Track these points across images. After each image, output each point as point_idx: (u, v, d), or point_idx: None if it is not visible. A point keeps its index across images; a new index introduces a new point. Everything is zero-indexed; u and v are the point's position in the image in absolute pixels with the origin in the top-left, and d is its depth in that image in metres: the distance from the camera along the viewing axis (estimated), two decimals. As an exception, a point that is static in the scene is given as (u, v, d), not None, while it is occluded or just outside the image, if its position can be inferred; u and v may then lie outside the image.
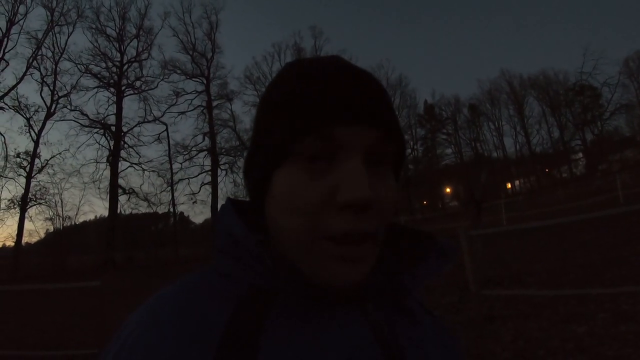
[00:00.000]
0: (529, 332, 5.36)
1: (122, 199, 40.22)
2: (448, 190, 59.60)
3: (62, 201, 42.91)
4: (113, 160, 39.48)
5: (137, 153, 41.78)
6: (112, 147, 40.06)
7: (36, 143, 37.85)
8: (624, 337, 4.62)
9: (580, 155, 55.82)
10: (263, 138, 0.58)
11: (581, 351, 4.46)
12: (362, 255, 0.54)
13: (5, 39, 37.81)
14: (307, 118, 0.53)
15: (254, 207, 0.65)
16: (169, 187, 42.86)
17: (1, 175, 36.46)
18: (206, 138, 45.19)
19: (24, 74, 38.36)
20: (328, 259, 0.53)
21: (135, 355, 0.48)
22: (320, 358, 0.52)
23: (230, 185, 51.99)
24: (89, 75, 40.93)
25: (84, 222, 50.16)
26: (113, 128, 40.48)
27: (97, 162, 40.22)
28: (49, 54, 39.94)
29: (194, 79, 46.05)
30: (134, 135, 42.05)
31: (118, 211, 39.63)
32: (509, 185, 60.50)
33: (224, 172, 45.69)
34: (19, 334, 9.22)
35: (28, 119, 38.06)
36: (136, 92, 43.10)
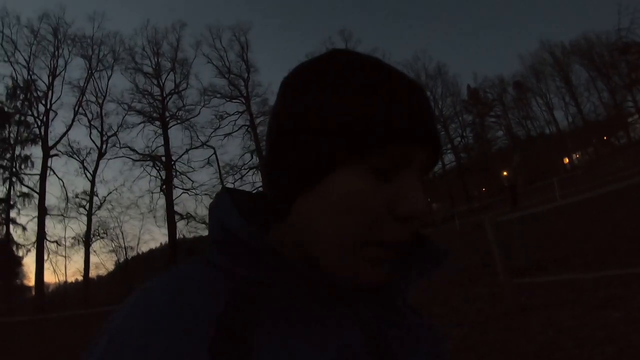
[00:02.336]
0: (562, 321, 5.20)
1: (180, 224, 41.32)
2: (505, 174, 58.22)
3: (122, 233, 44.33)
4: (167, 189, 40.69)
5: (189, 179, 42.99)
6: (164, 177, 41.32)
7: (92, 182, 39.65)
8: None
9: (636, 117, 53.27)
10: (324, 139, 0.54)
11: (611, 341, 4.28)
12: (395, 260, 0.58)
13: (50, 91, 39.83)
14: (386, 134, 0.53)
15: (252, 197, 0.66)
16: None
17: (64, 216, 38.16)
18: (254, 156, 45.77)
19: (72, 121, 40.34)
20: (367, 262, 0.55)
21: (127, 350, 0.46)
22: (311, 355, 0.52)
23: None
24: (133, 112, 42.43)
25: (150, 251, 51.72)
26: (163, 158, 41.80)
27: (152, 193, 41.62)
28: (93, 99, 41.88)
29: (233, 101, 46.86)
30: (183, 163, 43.25)
31: (177, 236, 40.65)
32: (567, 160, 58.55)
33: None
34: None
35: (82, 162, 39.98)
36: (180, 121, 44.33)
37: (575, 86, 56.93)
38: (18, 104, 39.09)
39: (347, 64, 0.58)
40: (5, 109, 38.48)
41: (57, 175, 39.15)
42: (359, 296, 0.61)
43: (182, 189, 42.13)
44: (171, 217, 39.94)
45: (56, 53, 40.34)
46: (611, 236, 9.50)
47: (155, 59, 44.86)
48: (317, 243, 0.56)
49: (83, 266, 38.21)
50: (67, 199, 38.80)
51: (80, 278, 39.91)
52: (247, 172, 45.50)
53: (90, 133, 41.09)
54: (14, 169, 37.89)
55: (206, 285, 0.54)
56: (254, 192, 0.69)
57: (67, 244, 38.60)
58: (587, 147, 57.26)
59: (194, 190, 42.30)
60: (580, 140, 55.89)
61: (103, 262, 49.33)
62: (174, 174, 41.80)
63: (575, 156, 58.96)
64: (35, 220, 36.71)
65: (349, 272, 0.55)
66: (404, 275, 0.65)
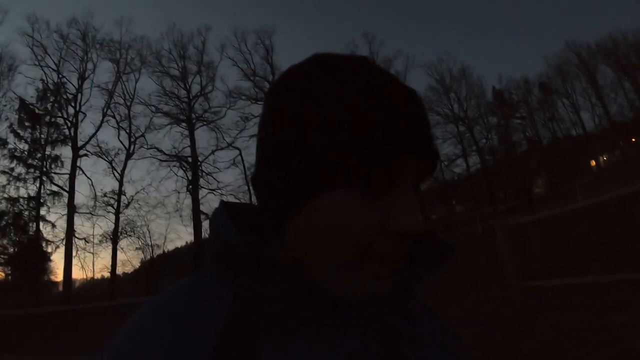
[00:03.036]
0: (568, 323, 5.39)
1: (206, 224, 41.38)
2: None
3: (149, 232, 45.02)
4: (193, 189, 41.17)
5: (215, 179, 43.23)
6: (190, 177, 41.76)
7: (120, 182, 40.35)
8: None
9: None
10: (313, 156, 0.53)
11: (612, 343, 4.46)
12: (393, 272, 0.56)
13: (79, 94, 40.86)
14: (377, 150, 0.51)
15: (250, 210, 0.67)
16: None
17: (92, 214, 39.08)
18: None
19: (101, 123, 41.07)
20: (365, 276, 0.53)
21: (133, 355, 0.47)
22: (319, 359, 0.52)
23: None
24: (160, 114, 42.98)
25: (176, 249, 52.49)
26: (189, 159, 42.24)
27: (178, 192, 42.04)
28: (121, 101, 42.58)
29: (258, 103, 46.48)
30: (209, 163, 43.64)
31: (203, 236, 41.20)
32: (594, 162, 57.71)
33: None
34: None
35: (110, 162, 40.72)
36: (206, 123, 44.75)
37: (601, 87, 56.09)
38: (48, 106, 40.00)
39: (328, 77, 0.56)
40: (36, 110, 39.39)
41: (85, 175, 39.93)
42: (369, 300, 0.58)
43: (208, 189, 42.54)
44: (197, 217, 40.37)
45: (85, 57, 41.22)
46: (628, 240, 9.57)
47: (182, 62, 45.40)
48: (311, 260, 0.55)
49: (110, 263, 38.97)
50: (95, 197, 39.50)
51: (106, 275, 40.66)
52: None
53: (119, 134, 41.85)
54: (44, 169, 38.68)
55: (209, 298, 0.54)
56: (255, 204, 0.69)
57: (95, 241, 39.39)
58: (614, 149, 56.38)
59: (219, 191, 42.58)
60: (607, 142, 55.04)
61: (130, 259, 50.18)
62: (200, 174, 42.26)
63: (603, 158, 58.06)
64: (65, 217, 37.54)
65: (346, 289, 0.54)
66: (411, 275, 0.63)
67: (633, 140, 54.09)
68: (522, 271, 7.01)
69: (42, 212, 38.51)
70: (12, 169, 37.53)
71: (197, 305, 0.53)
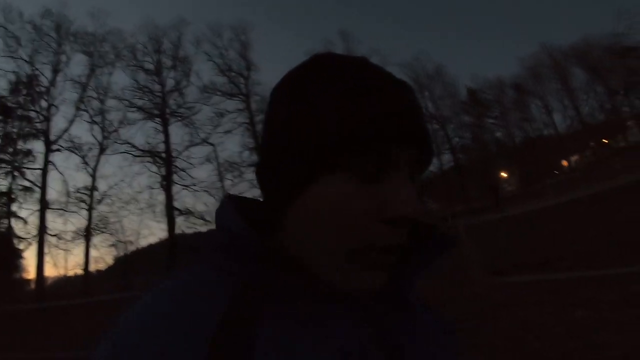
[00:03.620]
0: (530, 318, 5.57)
1: (179, 220, 41.32)
2: (504, 175, 58.43)
3: (122, 228, 44.82)
4: (166, 185, 40.70)
5: (189, 175, 42.75)
6: (164, 173, 41.28)
7: (93, 177, 39.70)
8: (625, 321, 4.75)
9: (637, 120, 53.40)
10: (306, 145, 0.55)
11: (571, 337, 4.65)
12: (391, 263, 0.56)
13: (52, 87, 40.01)
14: (367, 136, 0.52)
15: (255, 203, 0.68)
16: (222, 204, 43.73)
17: (64, 210, 38.46)
18: (253, 153, 45.34)
19: (74, 117, 40.29)
20: (362, 267, 0.54)
21: (128, 350, 0.48)
22: (317, 354, 0.52)
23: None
24: (134, 109, 42.32)
25: (149, 245, 52.08)
26: (163, 155, 41.78)
27: (151, 188, 41.61)
28: (95, 95, 41.80)
29: (233, 98, 46.61)
30: (183, 159, 43.17)
31: (176, 232, 40.99)
32: (565, 162, 58.77)
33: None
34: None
35: (83, 157, 39.98)
36: (180, 118, 44.15)
37: (573, 89, 57.08)
38: (21, 99, 39.17)
39: (327, 70, 0.58)
40: (8, 103, 38.58)
41: (58, 170, 39.12)
42: (368, 293, 0.59)
43: (182, 185, 42.03)
44: (170, 213, 39.94)
45: (59, 49, 40.46)
46: (594, 238, 9.83)
47: (157, 56, 44.79)
48: (310, 253, 0.56)
49: (83, 260, 38.40)
50: (68, 193, 38.86)
51: (79, 272, 40.12)
52: (246, 169, 45.07)
53: (92, 129, 41.13)
54: (15, 163, 37.98)
55: (208, 287, 0.54)
56: (257, 199, 0.70)
57: (68, 237, 38.82)
58: (585, 150, 57.48)
59: (193, 187, 42.17)
60: (578, 143, 56.08)
61: (103, 256, 49.68)
62: (173, 170, 41.75)
63: (574, 158, 59.17)
64: (37, 213, 36.86)
65: (346, 281, 0.55)
66: (410, 268, 0.63)
67: (603, 141, 55.23)
68: (489, 268, 7.16)
69: (14, 208, 37.87)
70: (-18, 164, 36.78)
71: (195, 296, 0.53)
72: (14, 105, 38.90)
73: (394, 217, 0.52)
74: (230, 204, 0.61)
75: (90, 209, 39.10)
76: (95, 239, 40.75)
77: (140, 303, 0.54)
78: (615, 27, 52.84)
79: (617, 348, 4.12)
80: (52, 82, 40.05)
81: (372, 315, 0.60)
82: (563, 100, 58.61)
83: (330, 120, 0.53)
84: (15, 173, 37.84)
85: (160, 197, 41.49)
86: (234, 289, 0.55)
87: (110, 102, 46.51)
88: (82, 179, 59.06)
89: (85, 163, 39.92)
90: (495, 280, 7.13)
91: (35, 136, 39.15)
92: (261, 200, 0.67)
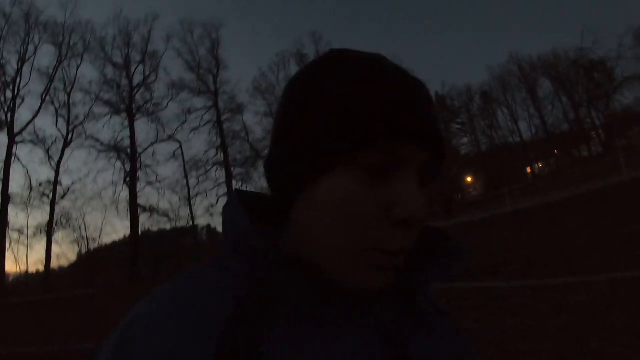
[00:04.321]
0: (463, 324, 5.69)
1: (143, 217, 41.31)
2: (469, 180, 59.24)
3: (85, 224, 44.25)
4: (131, 181, 40.44)
5: (154, 172, 42.76)
6: (128, 169, 40.98)
7: (57, 172, 39.22)
8: (552, 330, 4.98)
9: (598, 132, 54.81)
10: (313, 138, 0.54)
11: (497, 343, 4.84)
12: (398, 264, 0.54)
13: (18, 77, 39.32)
14: (375, 131, 0.51)
15: (265, 199, 0.67)
16: (187, 202, 43.53)
17: (27, 204, 37.92)
18: (219, 152, 45.53)
19: (39, 109, 39.75)
20: (368, 268, 0.53)
21: (136, 348, 0.48)
22: (326, 356, 0.52)
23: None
24: (100, 102, 42.04)
25: (113, 243, 51.52)
26: (128, 151, 41.40)
27: (115, 185, 41.72)
28: (61, 87, 41.26)
29: (201, 96, 46.53)
30: (148, 156, 43.60)
31: (140, 229, 40.71)
32: (529, 170, 59.92)
33: (238, 183, 45.90)
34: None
35: (47, 150, 39.50)
36: (147, 114, 43.92)
37: (540, 99, 58.24)
38: (-16, 88, 38.26)
39: (337, 68, 0.57)
40: (-28, 93, 37.75)
41: (21, 163, 38.81)
42: (377, 297, 0.60)
43: (146, 182, 42.06)
44: (134, 210, 39.70)
45: (27, 39, 39.79)
46: (541, 247, 10.14)
47: (126, 50, 44.37)
48: (317, 247, 0.55)
49: (44, 256, 37.77)
50: (30, 187, 38.39)
51: (41, 268, 39.41)
52: (212, 167, 45.38)
53: (57, 121, 40.63)
54: (-23, 155, 37.22)
55: (217, 287, 0.54)
56: (266, 193, 0.69)
57: (30, 233, 38.19)
58: (549, 158, 58.73)
59: (157, 184, 42.28)
60: (542, 151, 57.29)
61: (65, 252, 48.94)
62: (138, 166, 41.50)
63: (538, 166, 60.38)
64: (-2, 207, 36.14)
65: (352, 279, 0.53)
66: (422, 274, 0.63)
67: (566, 150, 56.52)
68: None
69: (-27, 201, 37.01)
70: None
71: (204, 295, 0.53)
72: (-23, 95, 38.03)
73: (400, 218, 0.51)
74: (237, 200, 0.59)
75: (52, 204, 38.65)
76: (57, 235, 40.32)
77: (149, 300, 0.54)
78: (582, 42, 54.15)
79: (539, 357, 4.33)
80: (19, 72, 39.41)
81: (382, 320, 0.59)
82: (529, 110, 59.83)
83: (341, 114, 0.52)
84: (-24, 165, 37.02)
85: (125, 193, 41.29)
86: (243, 288, 0.54)
87: (77, 96, 46.01)
88: (45, 173, 58.16)
89: (49, 157, 39.46)
90: (439, 286, 7.30)
91: (-2, 127, 38.34)
92: (269, 195, 0.66)
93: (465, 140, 62.10)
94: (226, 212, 0.60)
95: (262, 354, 0.49)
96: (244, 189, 0.67)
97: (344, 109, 0.52)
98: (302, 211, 0.56)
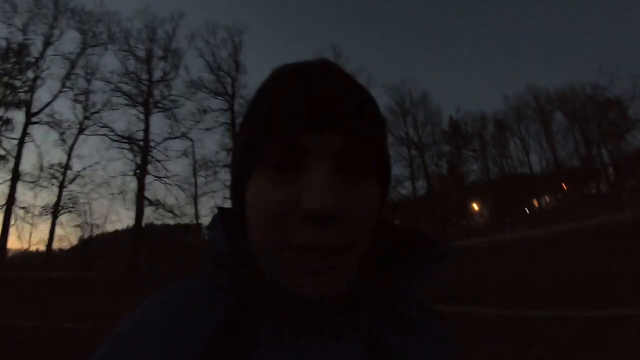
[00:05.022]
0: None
1: (148, 210, 41.40)
2: (475, 206, 59.18)
3: (91, 210, 44.42)
4: (140, 173, 40.70)
5: (164, 167, 42.76)
6: (139, 161, 41.27)
7: (69, 156, 39.71)
8: None
9: (610, 170, 54.76)
10: (238, 144, 0.56)
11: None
12: (331, 268, 0.51)
13: (42, 59, 39.80)
14: (271, 123, 0.51)
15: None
16: (193, 200, 43.77)
17: (36, 184, 38.26)
18: (230, 154, 45.10)
19: (59, 92, 40.23)
20: (296, 271, 0.50)
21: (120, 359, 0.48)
22: None
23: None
24: (119, 93, 42.28)
25: (115, 231, 51.83)
26: (141, 143, 41.69)
27: (125, 175, 41.75)
28: (82, 74, 41.70)
29: (218, 97, 46.82)
30: (160, 151, 43.21)
31: (144, 221, 40.97)
32: (536, 202, 59.80)
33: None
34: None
35: (62, 134, 39.83)
36: (163, 109, 44.28)
37: (553, 132, 58.11)
38: (8, 66, 38.85)
39: (265, 81, 0.58)
40: (-5, 68, 38.22)
41: (35, 143, 39.06)
42: (361, 307, 0.59)
43: (155, 176, 42.05)
44: (140, 202, 39.91)
45: (53, 23, 40.29)
46: (529, 278, 10.35)
47: (149, 45, 44.88)
48: (257, 255, 0.55)
49: (47, 236, 38.13)
50: (41, 167, 38.69)
51: (42, 248, 39.77)
52: (221, 169, 45.45)
53: (74, 107, 41.17)
54: (-6, 129, 37.67)
55: (203, 301, 0.54)
56: None
57: (35, 212, 38.55)
58: (557, 192, 58.57)
59: (166, 179, 42.19)
60: (551, 185, 57.14)
61: (68, 235, 49.34)
62: (149, 160, 41.78)
63: (545, 199, 60.23)
64: (7, 183, 36.67)
65: (288, 285, 0.52)
66: (405, 281, 0.61)
67: (576, 186, 56.37)
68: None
69: (-15, 172, 37.50)
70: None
71: (189, 309, 0.53)
72: (0, 72, 38.66)
73: (305, 212, 0.48)
74: (219, 219, 0.61)
75: (61, 187, 39.10)
76: (63, 218, 40.60)
77: (136, 312, 0.54)
78: (598, 79, 54.19)
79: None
80: (42, 55, 39.93)
81: (366, 329, 0.58)
82: (541, 143, 59.72)
83: (252, 116, 0.55)
84: (-8, 138, 37.49)
85: (133, 185, 41.68)
86: (228, 302, 0.54)
87: (96, 84, 46.40)
88: (57, 156, 58.58)
89: (63, 140, 39.93)
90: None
91: (17, 106, 38.93)
92: None
93: (475, 167, 62.22)
94: (208, 228, 0.61)
95: None
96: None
97: (254, 107, 0.56)
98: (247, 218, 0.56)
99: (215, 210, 0.66)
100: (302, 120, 0.51)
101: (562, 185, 56.92)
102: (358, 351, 0.55)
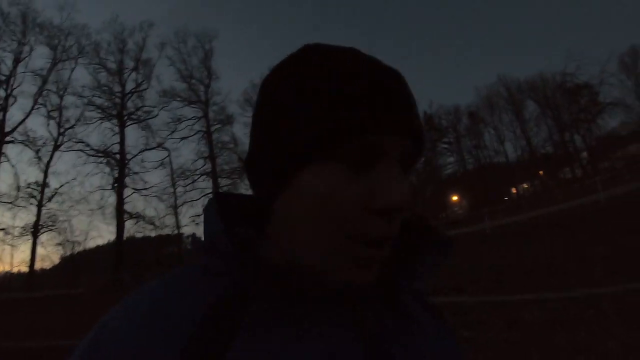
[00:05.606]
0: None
1: (129, 223, 40.99)
2: (454, 198, 59.73)
3: (71, 227, 44.33)
4: (118, 187, 40.22)
5: (142, 179, 42.76)
6: (116, 175, 40.71)
7: (45, 173, 38.92)
8: (501, 344, 5.36)
9: (584, 154, 55.68)
10: (293, 132, 0.53)
11: None
12: (381, 257, 0.53)
13: (12, 77, 39.06)
14: (357, 124, 0.50)
15: (248, 198, 0.66)
16: (173, 210, 43.47)
17: (13, 204, 37.62)
18: (207, 162, 45.41)
19: (31, 109, 39.42)
20: (350, 260, 0.52)
21: (103, 348, 0.48)
22: (297, 358, 0.50)
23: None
24: (92, 107, 41.65)
25: (97, 247, 51.31)
26: (117, 156, 41.18)
27: (103, 189, 41.14)
28: (54, 89, 40.97)
29: (192, 106, 46.49)
30: (137, 163, 42.72)
31: (125, 235, 40.55)
32: (514, 190, 60.66)
33: (225, 194, 45.67)
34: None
35: (37, 152, 39.10)
36: (137, 121, 43.72)
37: (526, 121, 58.91)
38: (-22, 86, 38.01)
39: (312, 61, 0.56)
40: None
41: (10, 163, 38.31)
42: (359, 295, 0.59)
43: (134, 188, 41.58)
44: (120, 216, 39.47)
45: (22, 39, 39.60)
46: (508, 265, 10.60)
47: (120, 56, 44.26)
48: (296, 243, 0.54)
49: (29, 257, 37.65)
50: (18, 187, 38.03)
51: (24, 269, 39.20)
52: (199, 177, 45.28)
53: (48, 124, 40.41)
54: (-34, 151, 37.04)
55: (191, 290, 0.54)
56: (250, 195, 0.68)
57: (15, 233, 38.02)
58: (534, 179, 59.42)
59: (144, 191, 41.75)
60: (527, 172, 57.93)
61: (49, 254, 48.67)
62: (126, 172, 41.30)
63: (523, 186, 61.06)
64: (-16, 205, 36.02)
65: (333, 273, 0.52)
66: (406, 272, 0.62)
67: (551, 172, 57.24)
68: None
69: (-40, 197, 36.86)
70: None
71: (176, 298, 0.53)
72: (-30, 92, 37.89)
73: (381, 207, 0.50)
74: (215, 204, 0.60)
75: (40, 206, 38.38)
76: (43, 237, 39.99)
77: (122, 303, 0.54)
78: (565, 67, 55.35)
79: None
80: (12, 72, 39.18)
81: (364, 319, 0.58)
82: (515, 131, 60.53)
83: (320, 108, 0.52)
84: (-33, 161, 36.87)
85: (111, 199, 41.07)
86: (217, 290, 0.54)
87: (69, 99, 45.82)
88: (33, 174, 57.85)
89: (38, 158, 39.18)
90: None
91: (-11, 125, 38.25)
92: (252, 195, 0.67)
93: (451, 159, 62.86)
94: (205, 216, 0.61)
95: (228, 358, 0.48)
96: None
97: (324, 103, 0.51)
98: (284, 207, 0.55)
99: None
100: (386, 124, 0.51)
101: (538, 172, 57.79)
102: (355, 342, 0.55)
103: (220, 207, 0.60)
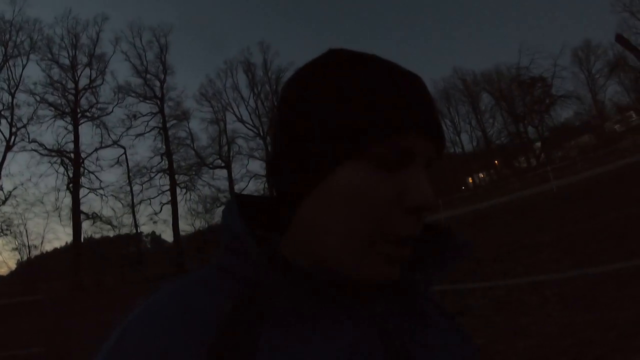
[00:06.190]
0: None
1: (86, 224, 40.56)
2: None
3: (26, 231, 43.20)
4: (73, 187, 39.57)
5: (97, 178, 41.88)
6: (71, 175, 40.05)
7: (-3, 176, 37.83)
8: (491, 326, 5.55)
9: (537, 144, 57.11)
10: (325, 133, 0.53)
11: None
12: (406, 255, 0.55)
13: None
14: (390, 126, 0.51)
15: (265, 202, 0.67)
16: (130, 209, 43.11)
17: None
18: (163, 158, 45.05)
19: (-19, 110, 38.02)
20: (378, 259, 0.53)
21: (129, 347, 0.48)
22: (320, 357, 0.51)
23: (190, 203, 53.37)
24: (45, 105, 40.79)
25: (54, 250, 50.23)
26: (72, 155, 40.45)
27: (58, 190, 41.02)
28: (5, 87, 39.89)
29: (147, 101, 45.99)
30: (92, 162, 42.14)
31: (83, 236, 40.00)
32: (470, 179, 61.90)
33: (183, 190, 45.59)
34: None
35: (-13, 153, 37.86)
36: (92, 119, 43.03)
37: (482, 112, 60.21)
38: None
39: (344, 64, 0.57)
40: None
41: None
42: (377, 296, 0.60)
43: (89, 188, 41.08)
44: (77, 217, 38.84)
45: (-30, 36, 38.00)
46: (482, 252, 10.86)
47: (73, 52, 43.36)
48: (325, 242, 0.54)
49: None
50: (-31, 191, 37.09)
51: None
52: (156, 174, 44.87)
53: (0, 123, 39.24)
54: None
55: (213, 289, 0.54)
56: (268, 197, 0.69)
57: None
58: (490, 168, 60.76)
59: (101, 190, 41.35)
60: (483, 162, 59.20)
61: (5, 260, 47.55)
62: (82, 172, 40.64)
63: (479, 175, 62.39)
64: None
65: (360, 269, 0.53)
66: (424, 273, 0.62)
67: (506, 161, 58.63)
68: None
69: None
70: None
71: (199, 297, 0.53)
72: None
73: (414, 205, 0.52)
74: (235, 204, 0.60)
75: (-7, 210, 37.34)
76: (-2, 242, 39.10)
77: (145, 304, 0.54)
78: (520, 61, 56.87)
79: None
80: (-40, 71, 37.82)
81: (381, 319, 0.59)
82: (471, 122, 61.86)
83: (357, 108, 0.53)
84: None
85: (67, 200, 40.40)
86: (239, 291, 0.54)
87: (21, 97, 44.61)
88: (-15, 177, 56.00)
89: (-10, 160, 37.99)
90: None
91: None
92: (270, 197, 0.68)
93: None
94: (224, 215, 0.61)
95: (255, 356, 0.49)
96: (244, 193, 0.70)
97: (355, 111, 0.53)
98: (312, 206, 0.55)
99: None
100: (417, 126, 0.53)
101: (494, 162, 59.11)
102: (373, 339, 0.56)
103: (240, 208, 0.61)
